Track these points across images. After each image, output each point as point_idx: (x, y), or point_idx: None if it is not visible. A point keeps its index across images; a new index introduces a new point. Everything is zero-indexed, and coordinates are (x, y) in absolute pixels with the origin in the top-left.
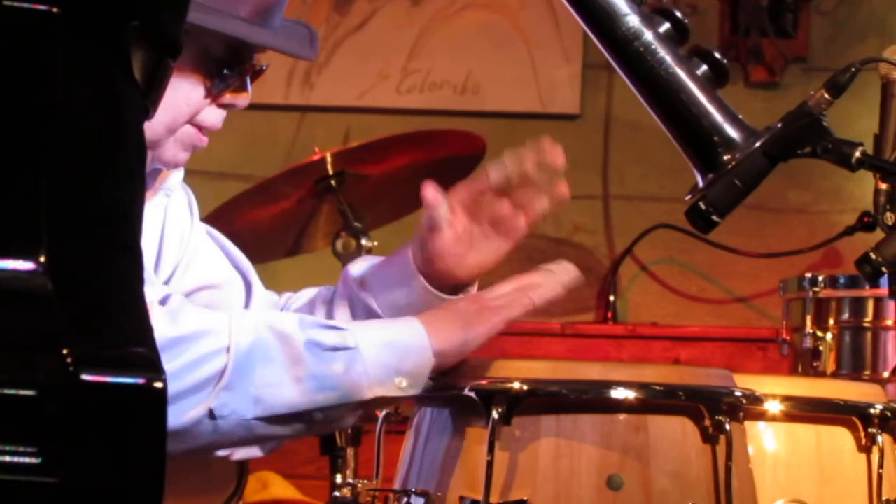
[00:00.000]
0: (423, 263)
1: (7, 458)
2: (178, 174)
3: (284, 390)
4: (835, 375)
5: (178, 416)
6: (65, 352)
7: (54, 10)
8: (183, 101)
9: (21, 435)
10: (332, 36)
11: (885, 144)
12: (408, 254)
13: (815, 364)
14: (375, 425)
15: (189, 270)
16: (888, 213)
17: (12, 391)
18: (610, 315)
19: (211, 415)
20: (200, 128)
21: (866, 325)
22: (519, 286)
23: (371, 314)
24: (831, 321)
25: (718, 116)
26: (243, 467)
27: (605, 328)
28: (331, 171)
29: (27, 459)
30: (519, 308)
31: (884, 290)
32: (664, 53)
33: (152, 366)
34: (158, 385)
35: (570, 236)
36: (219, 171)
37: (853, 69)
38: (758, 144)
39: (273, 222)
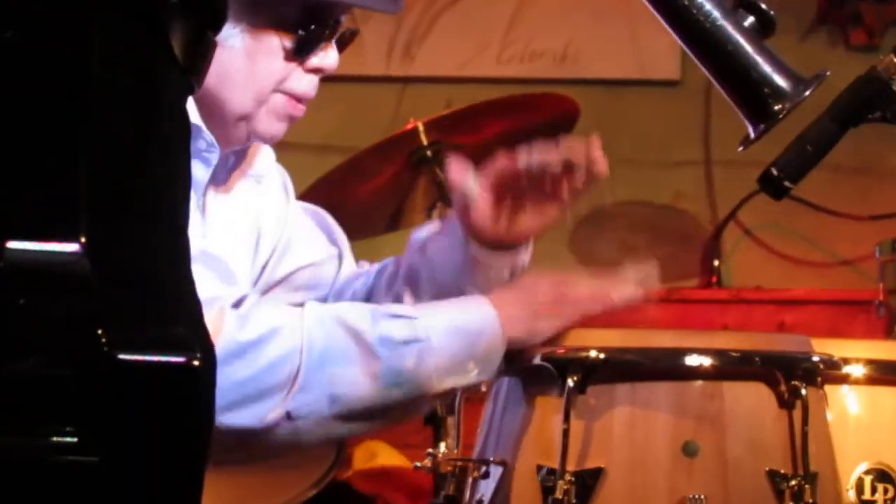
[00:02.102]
0: (465, 230)
1: (45, 439)
2: (269, 157)
3: (359, 388)
4: None
5: (257, 419)
6: (100, 332)
7: None
8: (265, 70)
9: (58, 415)
10: (432, 7)
11: None
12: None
13: None
14: (476, 394)
15: (287, 252)
16: None
17: (50, 372)
18: (714, 280)
19: (288, 416)
20: (293, 97)
21: None
22: (600, 287)
23: (432, 283)
24: None
25: (767, 67)
26: (341, 442)
27: (709, 293)
28: (425, 142)
29: (65, 439)
30: (597, 307)
31: None
32: (710, 7)
33: (190, 344)
34: (196, 363)
35: (674, 202)
36: (322, 143)
37: None
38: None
39: (371, 196)
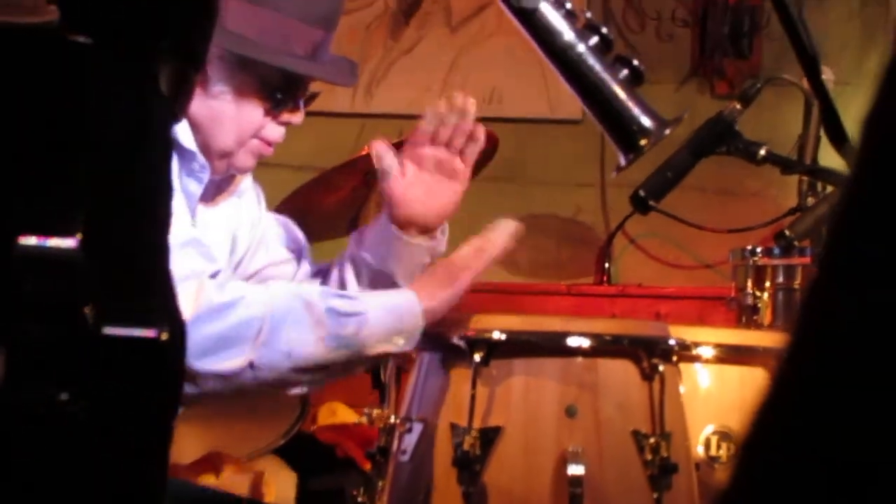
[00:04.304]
0: (390, 211)
1: (46, 395)
2: (248, 179)
3: (309, 347)
4: (771, 327)
5: (225, 363)
6: (87, 310)
7: (87, 40)
8: (247, 121)
9: (54, 376)
10: (388, 57)
11: (806, 144)
12: (385, 210)
13: (754, 317)
14: (412, 364)
15: (258, 252)
16: (808, 198)
17: (48, 340)
18: (605, 278)
19: (251, 366)
20: (266, 142)
21: (796, 286)
22: (476, 246)
23: (368, 267)
24: (767, 283)
25: (636, 109)
26: (305, 398)
27: (601, 289)
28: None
29: (60, 396)
30: (481, 263)
31: (808, 258)
32: (593, 61)
33: (160, 321)
34: (164, 337)
35: (575, 216)
36: (299, 164)
37: (757, 86)
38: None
39: (335, 205)
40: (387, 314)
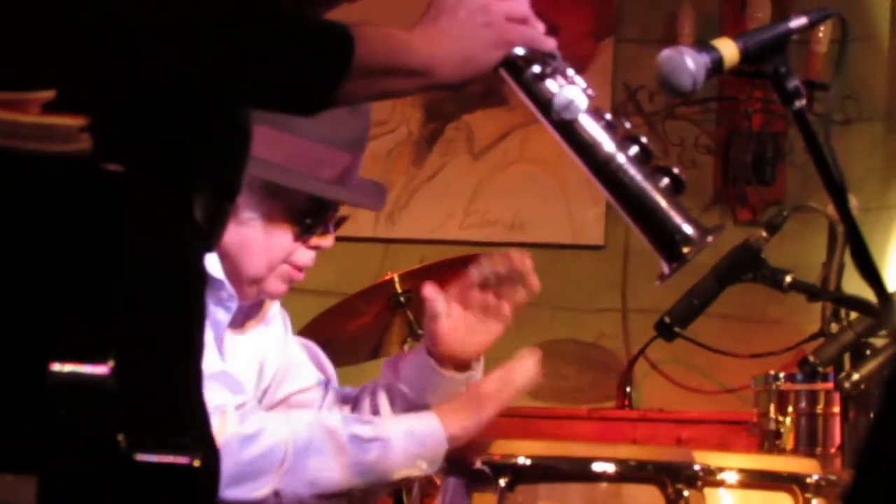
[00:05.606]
0: (431, 347)
1: None
2: (275, 305)
3: (332, 475)
4: (794, 451)
5: (251, 493)
6: (120, 437)
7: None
8: (277, 246)
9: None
10: (411, 184)
11: (830, 271)
12: (423, 343)
13: (777, 442)
14: (436, 489)
15: (286, 379)
16: (832, 324)
17: (81, 468)
18: (627, 402)
19: (276, 494)
20: (296, 267)
21: (818, 412)
22: (503, 377)
23: (403, 398)
24: (790, 408)
25: (678, 218)
26: None
27: (622, 413)
28: (399, 290)
29: None
30: (507, 394)
31: (830, 384)
32: (634, 172)
33: (193, 448)
34: (196, 464)
35: (597, 340)
36: (323, 289)
37: (784, 214)
38: (709, 272)
39: (358, 331)
40: (410, 439)
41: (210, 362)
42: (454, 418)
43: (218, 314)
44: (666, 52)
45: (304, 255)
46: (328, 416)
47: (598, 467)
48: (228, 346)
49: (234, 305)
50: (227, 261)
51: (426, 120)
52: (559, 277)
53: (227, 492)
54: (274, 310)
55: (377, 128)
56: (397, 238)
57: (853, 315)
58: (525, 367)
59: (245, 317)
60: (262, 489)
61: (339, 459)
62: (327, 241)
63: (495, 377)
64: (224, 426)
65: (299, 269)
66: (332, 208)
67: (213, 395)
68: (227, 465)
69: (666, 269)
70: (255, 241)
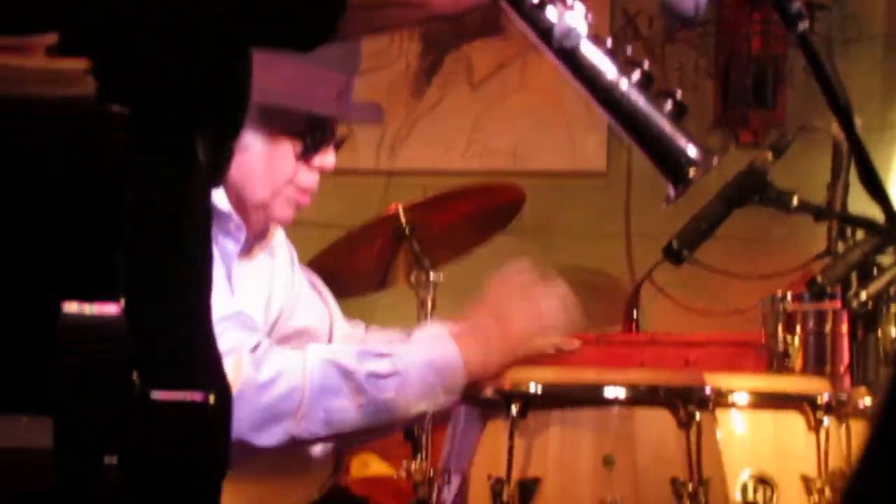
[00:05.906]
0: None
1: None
2: (280, 235)
3: (349, 415)
4: (802, 372)
5: (269, 440)
6: (135, 376)
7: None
8: (280, 169)
9: (105, 440)
10: (411, 116)
11: (835, 191)
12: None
13: (785, 362)
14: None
15: (293, 315)
16: (839, 243)
17: (98, 406)
18: (634, 326)
19: (293, 438)
20: (301, 189)
21: (826, 331)
22: (536, 320)
23: None
24: (798, 328)
25: (682, 141)
26: (339, 451)
27: (630, 337)
28: (404, 222)
29: (111, 458)
30: (535, 349)
31: (838, 303)
32: (638, 97)
33: (206, 384)
34: (210, 400)
35: (602, 266)
36: (326, 222)
37: (789, 137)
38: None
39: (363, 264)
40: (428, 370)
41: (222, 303)
42: (475, 348)
43: (227, 245)
44: None
45: (308, 177)
46: (344, 353)
47: (609, 392)
48: (237, 275)
49: (242, 236)
50: (232, 190)
51: (424, 52)
52: (562, 206)
53: (248, 436)
54: (279, 238)
55: (375, 61)
56: (399, 170)
57: (859, 234)
58: (553, 303)
59: (251, 245)
60: (280, 435)
61: (357, 400)
62: (329, 160)
63: (527, 315)
64: (239, 371)
65: (304, 192)
66: (331, 127)
67: (229, 337)
68: (246, 411)
69: (672, 191)
70: (257, 166)
